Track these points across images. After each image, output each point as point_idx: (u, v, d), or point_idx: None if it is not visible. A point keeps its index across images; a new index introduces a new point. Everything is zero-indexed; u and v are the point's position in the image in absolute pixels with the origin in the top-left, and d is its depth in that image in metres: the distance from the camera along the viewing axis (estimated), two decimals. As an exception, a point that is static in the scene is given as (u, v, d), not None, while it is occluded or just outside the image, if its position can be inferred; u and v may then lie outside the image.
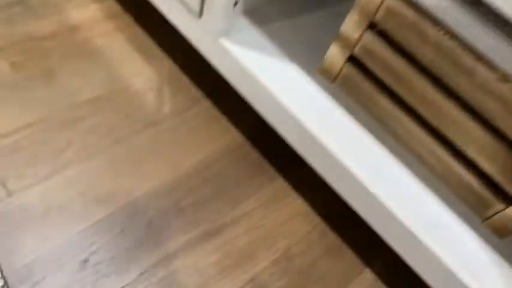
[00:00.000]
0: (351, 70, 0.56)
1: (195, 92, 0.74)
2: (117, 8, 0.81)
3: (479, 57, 0.42)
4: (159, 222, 0.59)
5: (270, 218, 0.64)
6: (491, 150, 0.45)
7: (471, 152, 0.47)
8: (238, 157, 0.68)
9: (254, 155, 0.69)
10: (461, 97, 0.46)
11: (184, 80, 0.75)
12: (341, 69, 0.57)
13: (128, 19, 0.80)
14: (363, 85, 0.55)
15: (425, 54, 0.47)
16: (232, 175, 0.66)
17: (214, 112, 0.72)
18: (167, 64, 0.76)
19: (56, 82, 0.68)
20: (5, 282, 0.49)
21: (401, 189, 0.54)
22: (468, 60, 0.43)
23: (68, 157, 0.62)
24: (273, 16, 0.66)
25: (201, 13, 0.60)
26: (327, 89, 0.61)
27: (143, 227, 0.58)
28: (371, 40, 0.51)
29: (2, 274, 0.49)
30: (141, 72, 0.73)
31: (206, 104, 0.73)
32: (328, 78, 0.58)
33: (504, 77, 0.41)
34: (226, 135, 0.70)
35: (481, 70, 0.42)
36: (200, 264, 0.58)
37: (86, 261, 0.54)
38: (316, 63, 0.59)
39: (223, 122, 0.71)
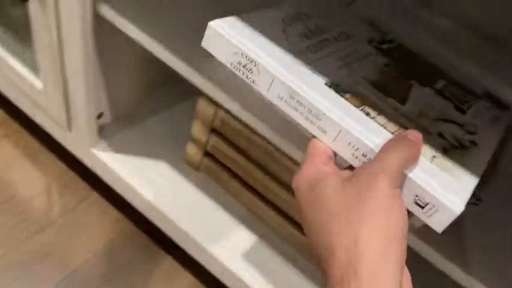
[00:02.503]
0: (208, 162, 0.65)
1: (82, 187, 0.79)
2: (1, 114, 0.85)
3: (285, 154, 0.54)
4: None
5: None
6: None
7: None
8: (131, 244, 0.74)
9: (144, 240, 0.76)
10: (278, 178, 0.57)
11: (71, 177, 0.80)
12: (201, 162, 0.66)
13: (14, 125, 0.84)
14: (220, 173, 0.65)
15: (253, 151, 0.58)
16: (125, 262, 0.72)
17: (104, 203, 0.78)
18: (56, 166, 0.81)
19: None
20: None
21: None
22: (278, 155, 0.55)
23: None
24: (145, 114, 0.74)
25: (69, 127, 0.67)
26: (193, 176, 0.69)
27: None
28: (216, 141, 0.61)
29: None
30: (29, 176, 0.78)
31: (94, 198, 0.78)
32: (193, 168, 0.68)
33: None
34: (117, 225, 0.76)
35: (285, 162, 0.54)
36: None
37: None
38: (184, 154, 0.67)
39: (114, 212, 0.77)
